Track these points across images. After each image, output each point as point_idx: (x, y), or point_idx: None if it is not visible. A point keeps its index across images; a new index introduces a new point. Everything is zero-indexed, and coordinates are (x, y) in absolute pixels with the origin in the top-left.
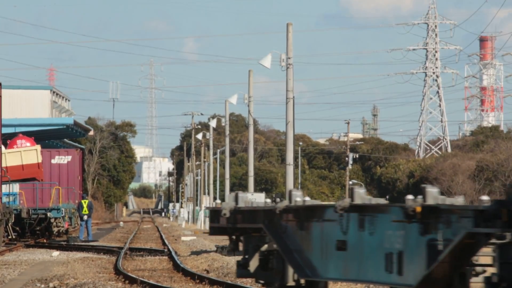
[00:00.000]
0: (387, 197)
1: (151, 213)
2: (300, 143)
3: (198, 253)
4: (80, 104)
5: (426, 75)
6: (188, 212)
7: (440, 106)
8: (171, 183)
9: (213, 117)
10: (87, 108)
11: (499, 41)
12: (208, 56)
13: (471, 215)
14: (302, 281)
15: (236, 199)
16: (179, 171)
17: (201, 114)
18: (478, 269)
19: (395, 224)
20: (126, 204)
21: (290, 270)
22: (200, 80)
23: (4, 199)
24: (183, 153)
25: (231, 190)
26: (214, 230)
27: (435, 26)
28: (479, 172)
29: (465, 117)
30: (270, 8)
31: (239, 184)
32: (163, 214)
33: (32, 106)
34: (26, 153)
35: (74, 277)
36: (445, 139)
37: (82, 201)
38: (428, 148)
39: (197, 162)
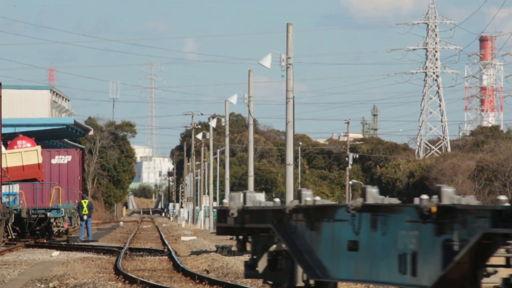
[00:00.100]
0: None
1: (151, 213)
2: (300, 143)
3: (198, 253)
4: (80, 104)
5: (426, 75)
6: (188, 212)
7: (440, 106)
8: (171, 183)
9: (213, 117)
10: (87, 108)
11: (499, 41)
12: (208, 56)
13: (489, 215)
14: (312, 281)
15: (244, 198)
16: (179, 171)
17: (201, 114)
18: (490, 269)
19: (409, 224)
20: (126, 204)
21: (299, 271)
22: (200, 80)
23: (4, 199)
24: (183, 153)
25: (231, 190)
26: (222, 230)
27: (435, 26)
28: (479, 172)
29: (465, 117)
30: (270, 8)
31: (239, 184)
32: (163, 214)
33: (32, 106)
34: (27, 154)
35: (74, 277)
36: (445, 139)
37: (82, 201)
38: (428, 148)
39: (197, 162)
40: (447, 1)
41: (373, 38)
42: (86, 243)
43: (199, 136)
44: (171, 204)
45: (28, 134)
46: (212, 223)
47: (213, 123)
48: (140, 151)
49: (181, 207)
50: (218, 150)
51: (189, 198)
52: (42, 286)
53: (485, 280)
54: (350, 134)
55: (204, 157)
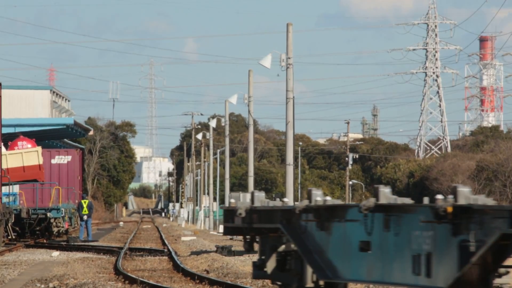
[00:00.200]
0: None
1: (151, 213)
2: (300, 143)
3: (198, 253)
4: (80, 104)
5: (426, 75)
6: (188, 212)
7: (440, 106)
8: (171, 183)
9: (213, 117)
10: (87, 108)
11: (499, 41)
12: (208, 56)
13: (507, 216)
14: (321, 282)
15: (252, 198)
16: (179, 171)
17: (201, 114)
18: (502, 270)
19: (423, 224)
20: (126, 204)
21: (309, 271)
22: (200, 80)
23: (4, 199)
24: (183, 153)
25: (231, 190)
26: (229, 230)
27: (435, 26)
28: (479, 172)
29: (465, 117)
30: (270, 8)
31: (239, 184)
32: (163, 214)
33: (32, 106)
34: (27, 155)
35: (74, 277)
36: (445, 139)
37: (82, 201)
38: (428, 148)
39: (197, 162)
40: (447, 1)
41: (373, 38)
42: (86, 243)
43: (199, 136)
44: (171, 204)
45: (28, 134)
46: (212, 223)
47: (213, 123)
48: (140, 151)
49: (181, 207)
50: (218, 150)
51: (189, 198)
52: (42, 286)
53: (497, 280)
54: (350, 134)
55: (204, 157)
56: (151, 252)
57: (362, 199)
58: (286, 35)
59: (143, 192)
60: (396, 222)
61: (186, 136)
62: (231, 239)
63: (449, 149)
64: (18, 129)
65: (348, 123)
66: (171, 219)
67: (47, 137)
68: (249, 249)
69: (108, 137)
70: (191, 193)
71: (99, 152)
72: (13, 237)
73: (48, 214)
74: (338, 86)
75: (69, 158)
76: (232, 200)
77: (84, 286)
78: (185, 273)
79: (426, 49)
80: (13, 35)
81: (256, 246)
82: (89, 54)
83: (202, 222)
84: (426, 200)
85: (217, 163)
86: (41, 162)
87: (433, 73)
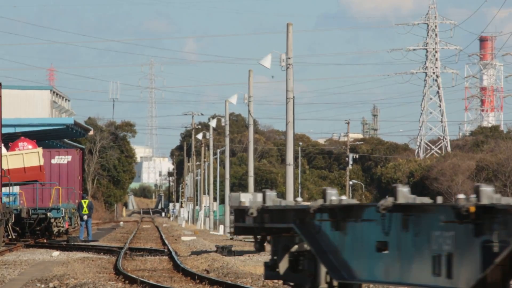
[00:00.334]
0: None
1: (151, 213)
2: (300, 143)
3: (198, 253)
4: (80, 104)
5: (426, 75)
6: (188, 212)
7: (440, 106)
8: (171, 183)
9: (213, 117)
10: (87, 108)
11: (499, 41)
12: (208, 56)
13: None
14: (335, 283)
15: (264, 198)
16: (179, 171)
17: (201, 114)
18: None
19: (444, 224)
20: (126, 204)
21: (323, 272)
22: (200, 80)
23: (4, 199)
24: (183, 153)
25: (231, 190)
26: (239, 230)
27: (435, 26)
28: (479, 172)
29: (465, 117)
30: (270, 8)
31: (239, 184)
32: (163, 214)
33: (32, 106)
34: (28, 156)
35: (74, 277)
36: (445, 139)
37: (82, 201)
38: (428, 148)
39: (197, 162)
40: (447, 1)
41: (373, 38)
42: (86, 243)
43: (199, 136)
44: (171, 204)
45: (28, 134)
46: (212, 223)
47: (213, 123)
48: (140, 151)
49: (181, 207)
50: (218, 150)
51: (189, 198)
52: (42, 286)
53: None
54: (350, 134)
55: (204, 157)
56: (151, 252)
57: (362, 199)
58: (286, 35)
59: (143, 192)
60: (415, 222)
61: (186, 136)
62: (231, 239)
63: (449, 149)
64: (18, 129)
65: (348, 123)
66: (171, 219)
67: (47, 137)
68: (259, 249)
69: (108, 137)
70: (191, 193)
71: (99, 152)
72: (13, 237)
73: (48, 214)
74: (338, 86)
75: (69, 158)
76: (243, 199)
77: (84, 286)
78: (185, 273)
79: (426, 49)
80: (13, 35)
81: (267, 247)
82: (89, 54)
83: (202, 222)
84: (439, 199)
85: (217, 163)
86: (42, 163)
87: (433, 73)
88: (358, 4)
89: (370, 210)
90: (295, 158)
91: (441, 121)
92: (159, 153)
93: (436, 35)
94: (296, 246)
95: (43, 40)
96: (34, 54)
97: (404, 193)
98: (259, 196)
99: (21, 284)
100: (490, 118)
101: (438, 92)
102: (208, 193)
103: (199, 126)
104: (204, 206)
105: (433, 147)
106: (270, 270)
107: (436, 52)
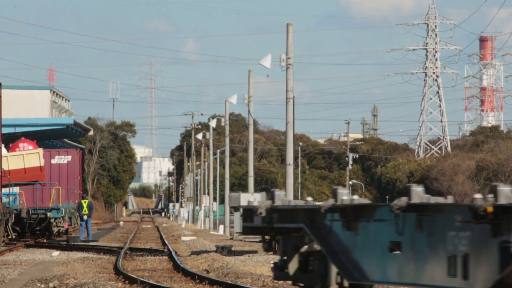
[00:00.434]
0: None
1: (151, 213)
2: (300, 143)
3: (198, 253)
4: (80, 104)
5: (426, 75)
6: (188, 212)
7: (440, 106)
8: (171, 183)
9: (213, 117)
10: (87, 108)
11: (499, 41)
12: (208, 56)
13: None
14: (346, 283)
15: (273, 197)
16: (179, 171)
17: (201, 114)
18: None
19: (459, 224)
20: (126, 204)
21: (333, 273)
22: (200, 80)
23: (4, 199)
24: (183, 153)
25: (231, 190)
26: (248, 230)
27: (435, 26)
28: (479, 172)
29: (465, 117)
30: (270, 8)
31: (239, 184)
32: (163, 214)
33: (32, 106)
34: (29, 157)
35: (74, 277)
36: (445, 139)
37: (82, 201)
38: (428, 148)
39: (197, 162)
40: (447, 1)
41: (373, 38)
42: (86, 243)
43: (199, 136)
44: (171, 204)
45: (28, 134)
46: (212, 223)
47: (213, 123)
48: (140, 151)
49: (181, 207)
50: (218, 150)
51: (189, 198)
52: (42, 286)
53: None
54: (350, 134)
55: (204, 157)
56: (151, 252)
57: None
58: (286, 35)
59: (143, 192)
60: (430, 222)
61: (186, 136)
62: (231, 239)
63: (449, 149)
64: (18, 129)
65: (348, 123)
66: (171, 219)
67: (47, 137)
68: (268, 249)
69: (108, 137)
70: (191, 193)
71: (99, 152)
72: (13, 237)
73: (48, 214)
74: (338, 86)
75: (69, 158)
76: (251, 199)
77: (84, 286)
78: (185, 273)
79: (426, 49)
80: (13, 35)
81: (277, 247)
82: (89, 54)
83: (202, 222)
84: (450, 199)
85: (217, 163)
86: (42, 164)
87: (433, 73)
88: (358, 4)
89: (383, 210)
90: (295, 158)
91: (441, 121)
92: (159, 153)
93: (436, 35)
94: (306, 246)
95: (43, 40)
96: (34, 54)
97: (418, 193)
98: (263, 195)
99: (21, 284)
100: (490, 118)
101: (438, 92)
102: (208, 193)
103: (199, 126)
104: (204, 206)
105: (433, 147)
106: (279, 270)
107: (436, 52)
